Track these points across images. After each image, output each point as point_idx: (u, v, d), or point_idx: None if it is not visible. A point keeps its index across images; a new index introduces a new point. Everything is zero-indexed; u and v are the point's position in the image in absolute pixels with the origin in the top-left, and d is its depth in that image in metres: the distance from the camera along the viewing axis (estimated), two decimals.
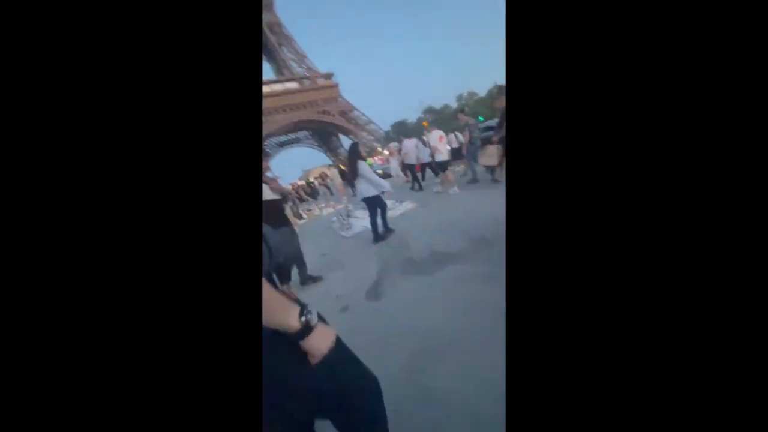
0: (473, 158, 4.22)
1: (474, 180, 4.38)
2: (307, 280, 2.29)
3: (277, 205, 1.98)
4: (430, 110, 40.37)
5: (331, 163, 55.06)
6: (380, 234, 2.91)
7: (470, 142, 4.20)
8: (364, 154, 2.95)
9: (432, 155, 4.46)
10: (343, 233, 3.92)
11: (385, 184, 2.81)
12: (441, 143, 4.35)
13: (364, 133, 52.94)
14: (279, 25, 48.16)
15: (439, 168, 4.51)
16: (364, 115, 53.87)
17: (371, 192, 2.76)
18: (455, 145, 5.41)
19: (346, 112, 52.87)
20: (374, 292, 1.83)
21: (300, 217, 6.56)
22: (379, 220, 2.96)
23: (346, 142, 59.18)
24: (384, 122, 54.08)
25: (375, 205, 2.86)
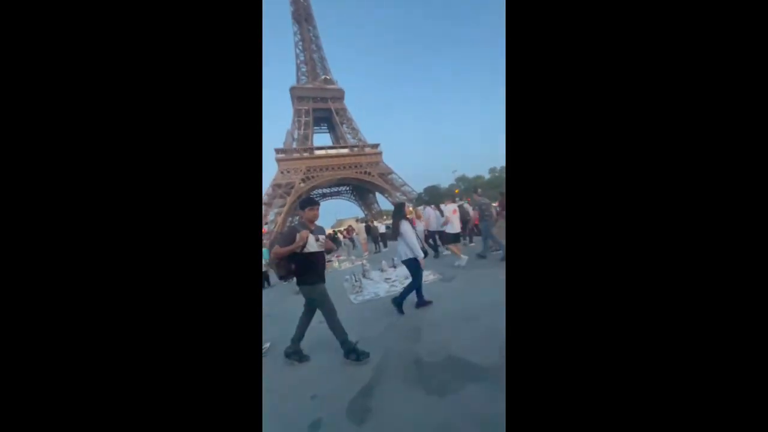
0: (487, 235, 4.36)
1: (481, 256, 4.37)
2: (291, 354, 1.90)
3: (318, 258, 1.75)
4: (462, 179, 42.33)
5: (363, 216, 58.54)
6: (400, 306, 2.51)
7: (482, 219, 4.36)
8: (409, 212, 2.94)
9: (444, 225, 4.60)
10: (352, 297, 3.55)
11: (420, 252, 2.52)
12: (454, 216, 4.47)
13: (398, 193, 56.80)
14: (344, 110, 61.62)
15: (450, 240, 4.57)
16: (400, 177, 59.13)
17: (410, 254, 2.47)
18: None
19: (385, 174, 58.91)
20: (358, 408, 1.34)
21: None
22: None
23: (381, 199, 63.73)
24: (418, 185, 58.12)
25: (415, 269, 2.48)
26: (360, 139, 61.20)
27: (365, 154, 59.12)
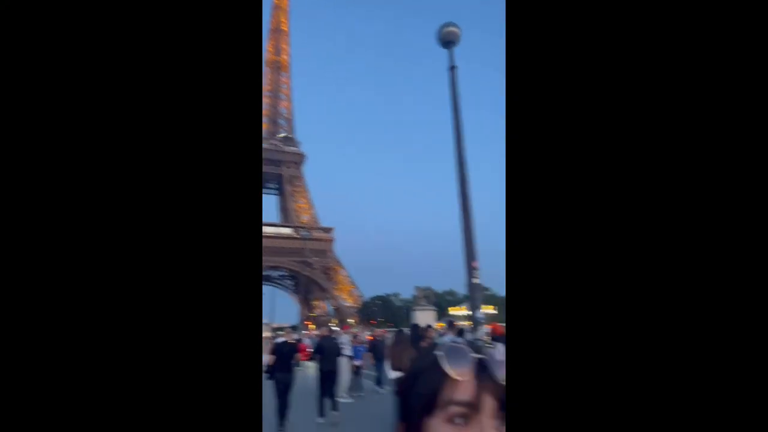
0: None
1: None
2: None
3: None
4: (428, 293, 30.82)
5: (294, 324, 41.52)
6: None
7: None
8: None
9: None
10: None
11: None
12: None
13: (342, 297, 42.38)
14: (300, 179, 53.57)
15: None
16: (350, 276, 46.26)
17: None
18: None
19: (330, 268, 45.95)
20: None
21: None
22: None
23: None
24: (369, 290, 44.02)
25: None
26: (312, 217, 50.91)
27: (312, 239, 47.50)
